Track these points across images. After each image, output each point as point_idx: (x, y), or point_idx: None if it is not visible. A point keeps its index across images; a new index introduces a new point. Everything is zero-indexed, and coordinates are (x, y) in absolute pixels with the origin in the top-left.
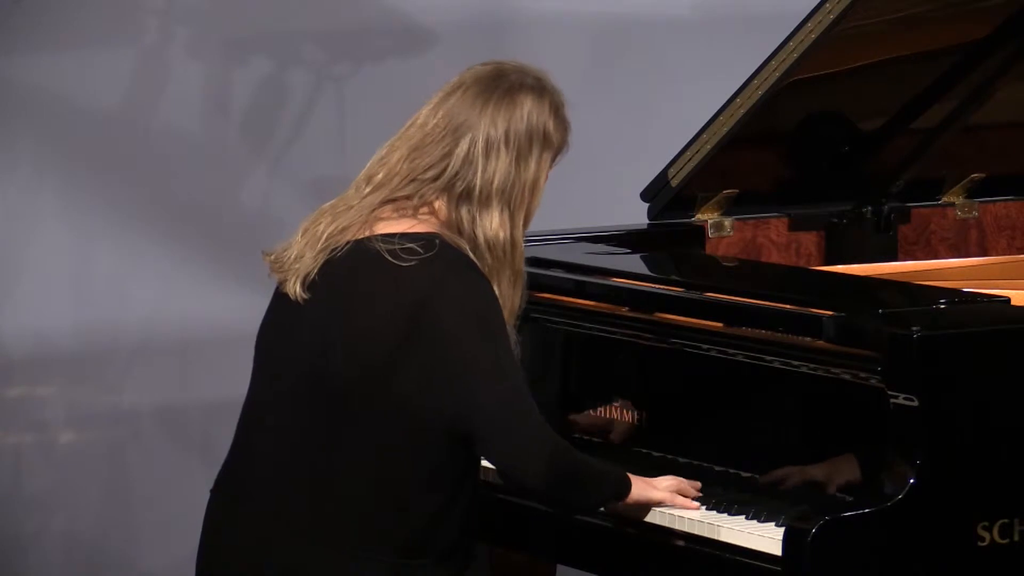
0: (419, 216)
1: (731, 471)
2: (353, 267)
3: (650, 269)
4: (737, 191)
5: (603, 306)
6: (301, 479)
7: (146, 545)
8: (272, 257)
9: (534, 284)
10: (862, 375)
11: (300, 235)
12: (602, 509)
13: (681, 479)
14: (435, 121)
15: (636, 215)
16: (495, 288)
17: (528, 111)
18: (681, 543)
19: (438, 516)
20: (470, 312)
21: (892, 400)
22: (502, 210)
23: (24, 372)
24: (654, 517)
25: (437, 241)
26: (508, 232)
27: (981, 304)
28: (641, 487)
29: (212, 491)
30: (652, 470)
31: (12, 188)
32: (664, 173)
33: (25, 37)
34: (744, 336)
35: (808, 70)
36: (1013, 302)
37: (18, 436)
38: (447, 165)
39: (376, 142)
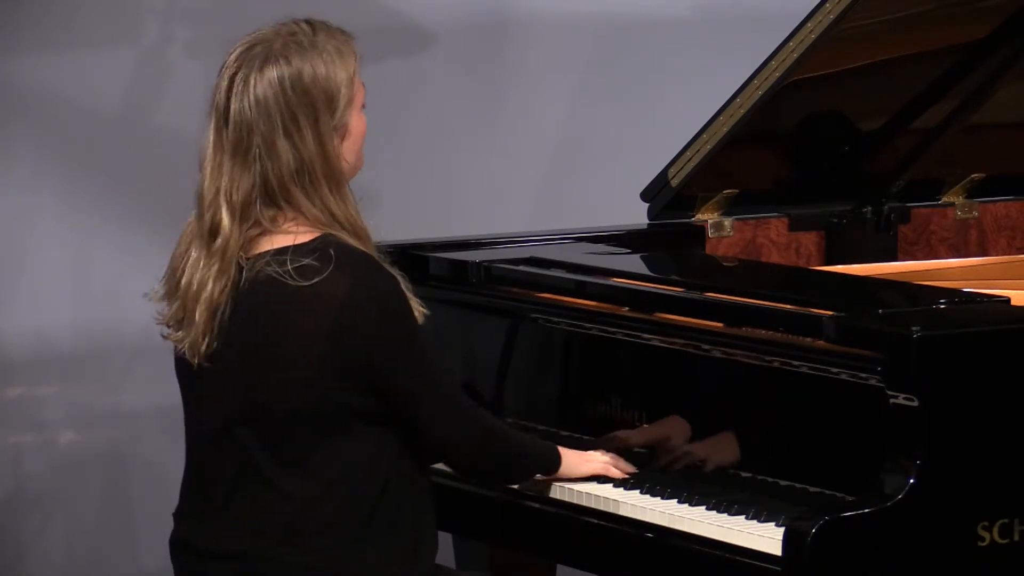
0: (299, 225)
1: (731, 471)
2: (254, 302)
3: (650, 269)
4: (737, 191)
5: (603, 306)
6: (250, 495)
7: (146, 545)
8: (170, 330)
9: (534, 284)
10: (862, 375)
11: (178, 291)
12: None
13: (616, 458)
14: (223, 154)
15: (636, 215)
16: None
17: (274, 88)
18: (681, 543)
19: (381, 499)
20: (388, 321)
21: (892, 400)
22: (330, 188)
23: (24, 372)
24: (654, 517)
25: (332, 251)
26: (347, 205)
27: (981, 304)
28: (575, 460)
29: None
30: (652, 470)
31: (12, 188)
32: (664, 173)
33: (25, 37)
34: (744, 336)
35: (808, 70)
36: (1013, 302)
37: (18, 436)
38: (263, 179)
39: (376, 142)
